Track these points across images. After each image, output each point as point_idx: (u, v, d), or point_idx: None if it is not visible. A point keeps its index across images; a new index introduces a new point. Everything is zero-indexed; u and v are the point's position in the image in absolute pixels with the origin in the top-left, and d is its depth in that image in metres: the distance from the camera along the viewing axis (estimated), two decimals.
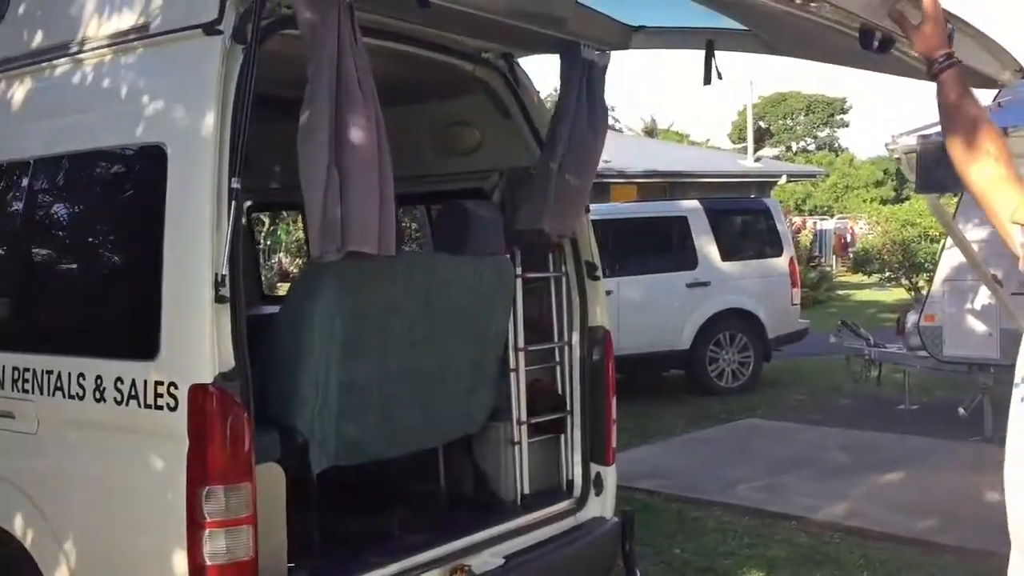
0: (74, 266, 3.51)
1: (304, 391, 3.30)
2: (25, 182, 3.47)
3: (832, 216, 35.42)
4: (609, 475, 4.25)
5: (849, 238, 27.52)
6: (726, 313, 10.86)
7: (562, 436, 4.27)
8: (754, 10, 2.90)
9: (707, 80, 3.84)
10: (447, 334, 3.76)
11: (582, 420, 4.24)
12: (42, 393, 3.16)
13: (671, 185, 23.56)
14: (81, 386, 3.04)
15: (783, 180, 24.57)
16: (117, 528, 3.00)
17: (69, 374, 3.08)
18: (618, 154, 23.95)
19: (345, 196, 2.87)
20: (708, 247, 10.87)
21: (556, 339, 4.27)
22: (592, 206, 12.17)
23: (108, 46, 3.25)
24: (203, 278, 2.76)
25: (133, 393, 2.90)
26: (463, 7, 3.36)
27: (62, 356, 3.13)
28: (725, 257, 10.99)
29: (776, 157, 37.06)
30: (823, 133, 57.75)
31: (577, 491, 4.20)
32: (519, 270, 4.12)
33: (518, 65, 4.20)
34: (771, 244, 11.40)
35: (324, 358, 3.33)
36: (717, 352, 10.87)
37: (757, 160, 25.83)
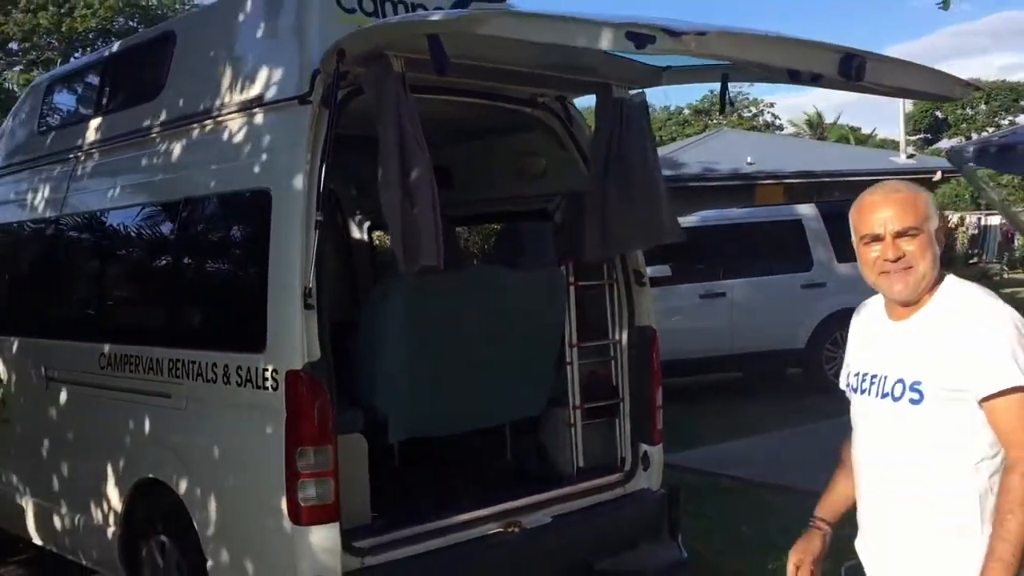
0: (207, 282, 4.54)
1: (382, 377, 4.19)
2: (176, 218, 4.54)
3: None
4: (655, 453, 4.93)
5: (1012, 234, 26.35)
6: (842, 313, 11.08)
7: (616, 420, 4.98)
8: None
9: (722, 109, 4.47)
10: (505, 332, 4.56)
11: (631, 406, 4.94)
12: (188, 378, 4.20)
13: (818, 184, 23.43)
14: (214, 373, 4.05)
15: (937, 176, 23.89)
16: (239, 477, 3.97)
17: (206, 364, 4.09)
18: (762, 154, 24.11)
19: (415, 224, 3.71)
20: (823, 249, 11.16)
21: (608, 337, 4.99)
22: (706, 213, 12.77)
23: (234, 113, 4.26)
24: (295, 291, 3.69)
25: (249, 377, 3.87)
26: (504, 64, 4.17)
27: (201, 351, 4.15)
28: (842, 259, 11.25)
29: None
30: (1005, 121, 54.73)
31: (627, 466, 4.90)
32: (572, 279, 4.87)
33: (571, 105, 4.97)
34: None
35: (398, 351, 4.20)
36: (834, 351, 11.14)
37: (910, 157, 25.20)
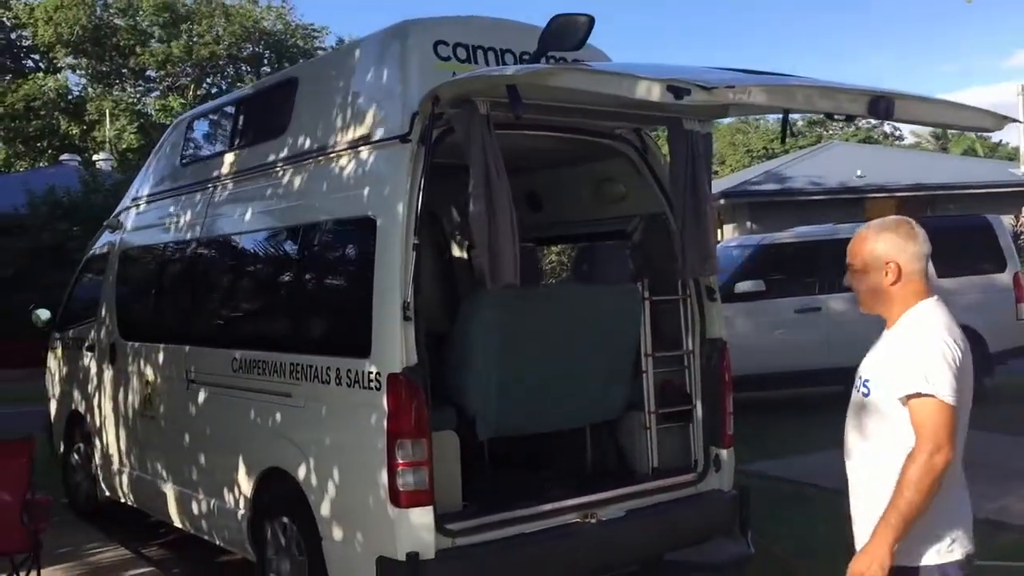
0: (323, 297, 5.19)
1: (470, 382, 4.74)
2: (296, 241, 5.22)
3: None
4: (726, 456, 5.33)
5: None
6: None
7: (689, 424, 5.41)
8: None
9: (783, 140, 4.87)
10: (584, 343, 5.06)
11: (703, 412, 5.36)
12: (306, 380, 4.85)
13: (931, 198, 23.03)
14: (328, 375, 4.68)
15: None
16: (349, 466, 4.58)
17: (321, 367, 4.73)
18: (873, 167, 23.83)
19: (498, 247, 4.26)
20: None
21: (681, 348, 5.43)
22: (807, 228, 13.02)
23: (346, 149, 4.91)
24: (396, 304, 4.28)
25: (357, 379, 4.48)
26: (584, 104, 4.68)
27: (317, 356, 4.79)
28: (941, 274, 11.28)
29: None
30: None
31: (699, 467, 5.32)
32: (647, 294, 5.33)
33: (647, 135, 5.45)
34: (993, 260, 11.52)
35: (486, 358, 4.75)
36: None
37: None
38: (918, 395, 2.75)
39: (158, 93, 43.95)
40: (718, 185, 24.75)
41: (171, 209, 6.68)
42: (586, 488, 5.03)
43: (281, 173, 5.44)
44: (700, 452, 5.35)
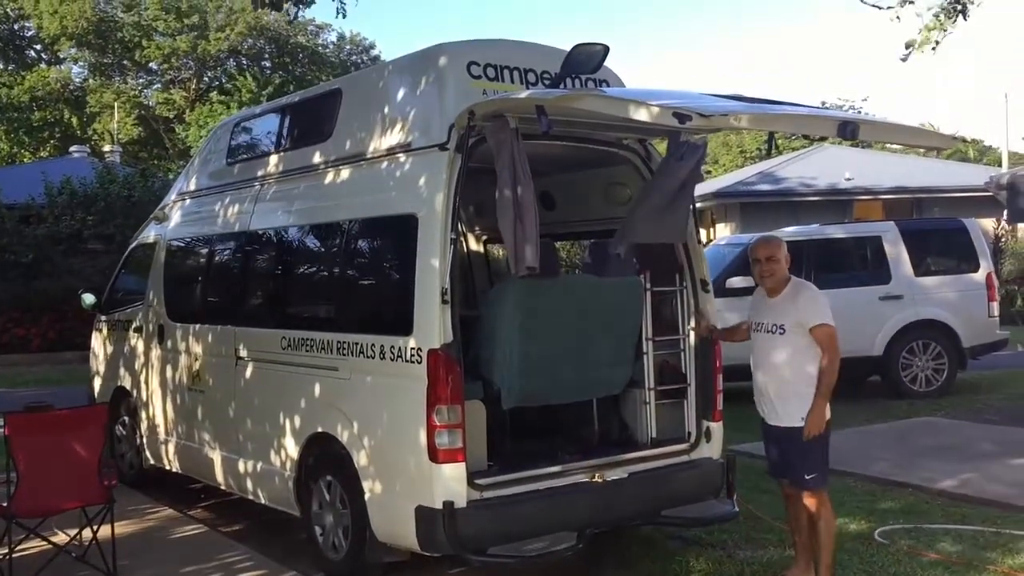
0: (367, 283, 5.92)
1: (497, 358, 5.46)
2: (341, 236, 5.94)
3: None
4: (716, 429, 6.06)
5: None
6: (919, 323, 11.94)
7: (683, 401, 6.14)
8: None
9: (769, 154, 5.61)
10: (593, 326, 5.78)
11: (696, 390, 6.09)
12: (353, 356, 5.56)
13: (916, 201, 23.83)
14: (373, 351, 5.40)
15: None
16: (391, 428, 5.29)
17: (367, 344, 5.45)
18: (862, 170, 24.60)
19: (523, 237, 4.98)
20: (901, 263, 12.01)
21: (678, 333, 6.16)
22: (794, 229, 13.86)
23: (388, 155, 5.63)
24: (436, 289, 5.01)
25: (400, 354, 5.20)
26: (596, 119, 5.39)
27: (363, 334, 5.51)
28: (919, 273, 12.08)
29: None
30: None
31: (692, 438, 6.06)
32: (648, 285, 6.06)
33: (651, 145, 6.18)
34: (967, 260, 12.28)
35: (510, 338, 5.46)
36: (910, 359, 11.97)
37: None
38: (824, 325, 4.98)
39: (159, 86, 44.63)
40: (711, 185, 25.51)
41: (218, 204, 7.38)
42: (593, 453, 5.77)
43: (326, 174, 6.15)
44: (693, 425, 6.08)
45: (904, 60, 9.31)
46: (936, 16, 9.33)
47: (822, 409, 4.98)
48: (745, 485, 6.68)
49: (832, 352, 4.98)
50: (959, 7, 9.23)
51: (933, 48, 9.17)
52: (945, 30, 9.09)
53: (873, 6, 9.68)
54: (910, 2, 9.53)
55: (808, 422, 5.00)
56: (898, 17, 9.53)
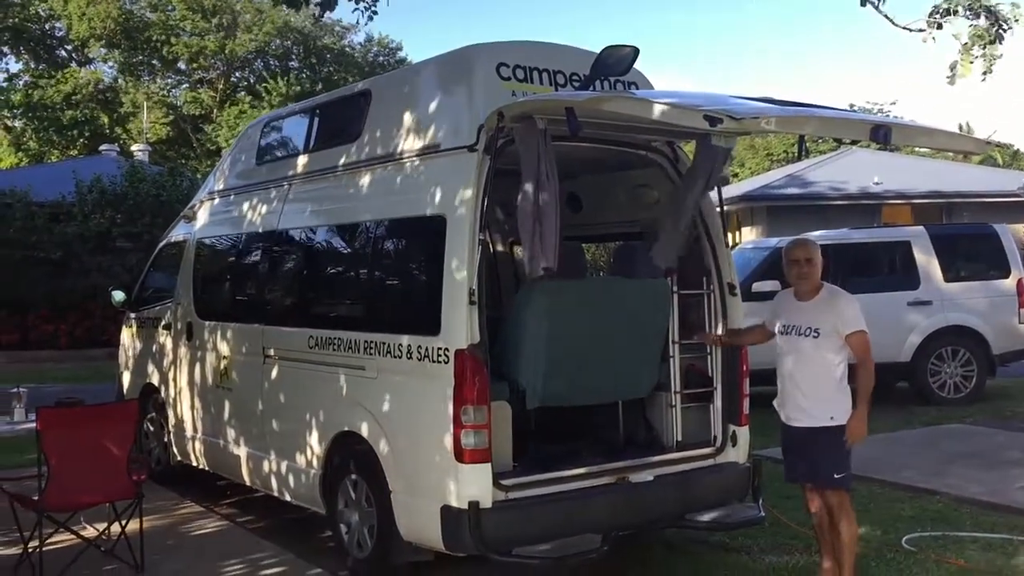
0: (395, 283, 5.94)
1: (522, 359, 5.47)
2: (368, 236, 5.97)
3: None
4: (742, 433, 6.04)
5: None
6: (948, 330, 11.81)
7: (710, 404, 6.12)
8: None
9: (799, 157, 5.58)
10: (620, 329, 5.76)
11: (723, 394, 6.07)
12: (379, 355, 5.58)
13: (946, 205, 23.61)
14: (400, 350, 5.42)
15: None
16: (418, 428, 5.31)
17: (394, 344, 5.47)
18: (891, 174, 24.41)
19: (541, 237, 4.99)
20: (930, 269, 11.89)
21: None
22: (821, 232, 13.73)
23: (417, 156, 5.65)
24: (463, 290, 5.02)
25: (427, 354, 5.21)
26: (626, 121, 5.39)
27: (390, 334, 5.52)
28: (949, 278, 11.95)
29: None
30: None
31: (718, 442, 6.03)
32: (675, 288, 6.04)
33: (680, 148, 6.16)
34: (997, 266, 12.14)
35: (536, 340, 5.47)
36: (939, 365, 11.85)
37: None
38: (859, 332, 5.02)
39: (187, 86, 45.03)
40: (738, 188, 25.40)
41: (247, 203, 7.43)
42: (619, 455, 5.76)
43: (355, 174, 6.18)
44: (719, 428, 6.05)
45: (951, 83, 9.24)
46: (972, 40, 9.24)
47: (865, 415, 5.04)
48: (771, 490, 6.64)
49: (868, 358, 5.06)
50: (995, 30, 9.15)
51: (983, 75, 9.13)
52: (995, 56, 9.04)
53: (904, 28, 9.64)
54: (938, 27, 9.47)
55: (852, 428, 5.03)
56: (933, 38, 9.47)
